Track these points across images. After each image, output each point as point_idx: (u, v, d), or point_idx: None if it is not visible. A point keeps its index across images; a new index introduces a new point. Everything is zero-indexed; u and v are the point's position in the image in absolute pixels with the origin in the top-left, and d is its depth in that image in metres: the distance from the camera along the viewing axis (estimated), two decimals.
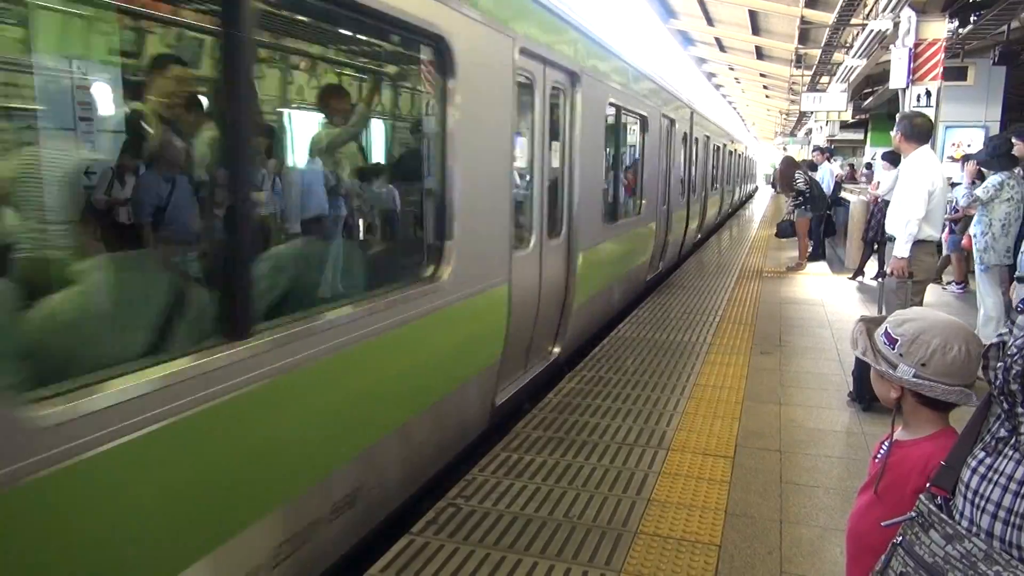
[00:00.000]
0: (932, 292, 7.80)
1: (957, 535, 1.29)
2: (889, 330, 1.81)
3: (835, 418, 4.96)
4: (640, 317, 7.93)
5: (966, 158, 9.32)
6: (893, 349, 1.78)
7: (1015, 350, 1.28)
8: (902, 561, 1.37)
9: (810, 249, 12.48)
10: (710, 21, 21.28)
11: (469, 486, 3.79)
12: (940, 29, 10.31)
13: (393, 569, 3.02)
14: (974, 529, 1.29)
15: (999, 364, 1.31)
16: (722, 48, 25.54)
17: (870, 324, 1.91)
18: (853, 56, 14.20)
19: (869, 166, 19.92)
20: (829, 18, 14.17)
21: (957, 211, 6.75)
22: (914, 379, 1.74)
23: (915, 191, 5.01)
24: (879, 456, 1.90)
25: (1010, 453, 1.29)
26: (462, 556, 3.13)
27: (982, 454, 1.34)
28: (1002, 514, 1.26)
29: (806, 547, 3.27)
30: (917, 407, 1.82)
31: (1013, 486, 1.26)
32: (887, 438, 1.92)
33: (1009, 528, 1.24)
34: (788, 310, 8.60)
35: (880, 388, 1.88)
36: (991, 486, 1.29)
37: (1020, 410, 1.27)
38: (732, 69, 30.23)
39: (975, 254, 7.02)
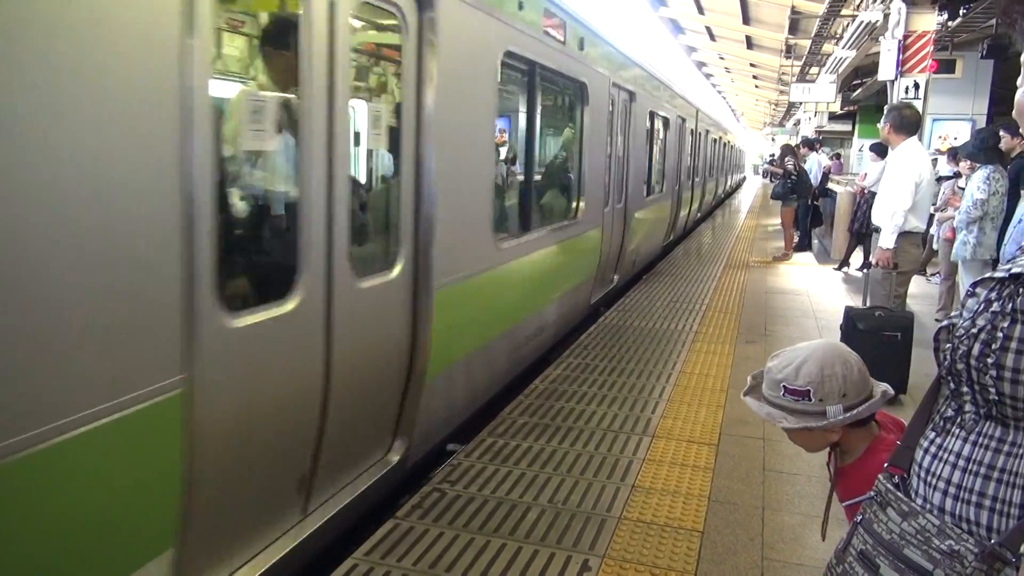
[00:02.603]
0: (916, 283, 7.87)
1: (912, 512, 1.33)
2: (789, 386, 1.73)
3: None
4: (626, 305, 7.95)
5: (952, 151, 9.37)
6: (811, 400, 1.71)
7: (962, 331, 1.32)
8: (862, 539, 1.41)
9: (796, 239, 12.59)
10: (700, 9, 21.26)
11: (454, 471, 3.79)
12: (929, 21, 10.34)
13: (378, 553, 3.03)
14: (927, 506, 1.34)
15: (948, 345, 1.36)
16: (712, 37, 25.53)
17: (752, 392, 1.85)
18: (843, 47, 14.22)
19: (838, 155, 20.63)
20: (820, 8, 14.20)
21: (969, 212, 6.74)
22: (847, 414, 1.70)
23: (902, 182, 5.05)
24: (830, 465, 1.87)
25: (956, 431, 1.33)
26: (447, 540, 3.14)
27: (932, 434, 1.39)
28: (952, 490, 1.30)
29: (787, 534, 3.31)
30: (850, 433, 1.78)
31: (961, 463, 1.30)
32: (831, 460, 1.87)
33: (959, 503, 1.29)
34: (773, 300, 8.65)
35: (812, 442, 1.79)
36: (941, 464, 1.33)
37: (964, 389, 1.32)
38: (722, 58, 30.23)
39: (962, 248, 7.01)
